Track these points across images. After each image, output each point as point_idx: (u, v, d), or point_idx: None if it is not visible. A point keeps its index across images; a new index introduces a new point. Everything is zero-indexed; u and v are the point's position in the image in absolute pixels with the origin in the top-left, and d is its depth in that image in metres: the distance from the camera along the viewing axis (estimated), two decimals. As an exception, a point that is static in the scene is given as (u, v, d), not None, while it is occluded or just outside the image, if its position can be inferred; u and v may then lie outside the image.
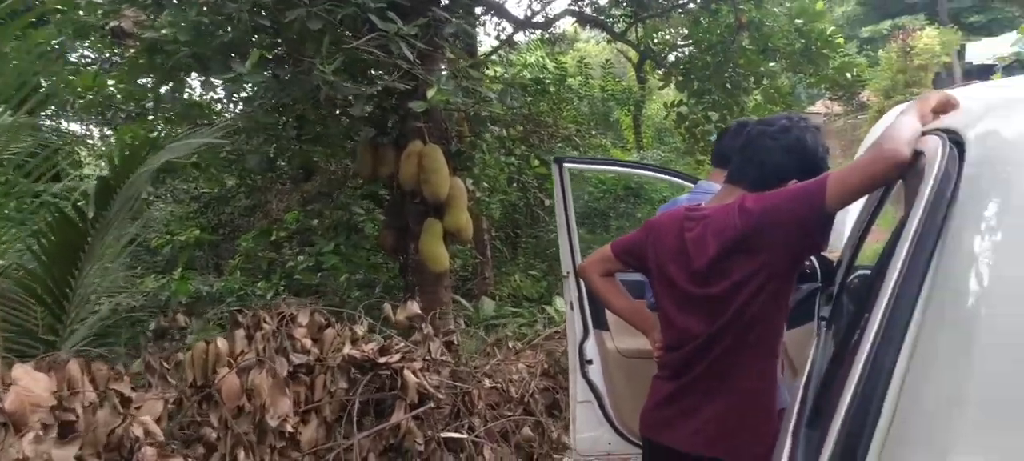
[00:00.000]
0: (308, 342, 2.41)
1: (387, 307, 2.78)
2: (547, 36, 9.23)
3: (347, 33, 3.19)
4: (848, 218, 2.13)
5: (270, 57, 3.02)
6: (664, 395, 1.72)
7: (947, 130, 1.00)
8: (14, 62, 2.85)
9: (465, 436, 2.63)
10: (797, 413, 1.18)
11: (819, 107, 16.92)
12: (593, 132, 9.82)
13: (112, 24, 3.92)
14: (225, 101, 3.60)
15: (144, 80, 3.88)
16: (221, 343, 2.12)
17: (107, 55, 4.99)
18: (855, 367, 0.72)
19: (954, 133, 0.93)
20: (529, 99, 7.97)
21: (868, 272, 1.74)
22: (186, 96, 3.89)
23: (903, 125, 1.34)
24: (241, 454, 2.01)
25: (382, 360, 2.38)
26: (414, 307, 2.74)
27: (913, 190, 1.40)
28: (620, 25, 7.07)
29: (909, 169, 1.31)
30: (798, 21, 6.07)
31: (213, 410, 2.03)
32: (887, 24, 21.47)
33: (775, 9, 6.19)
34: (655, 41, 7.54)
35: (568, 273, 2.66)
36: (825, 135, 1.70)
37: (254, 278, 6.38)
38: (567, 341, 2.72)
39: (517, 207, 8.34)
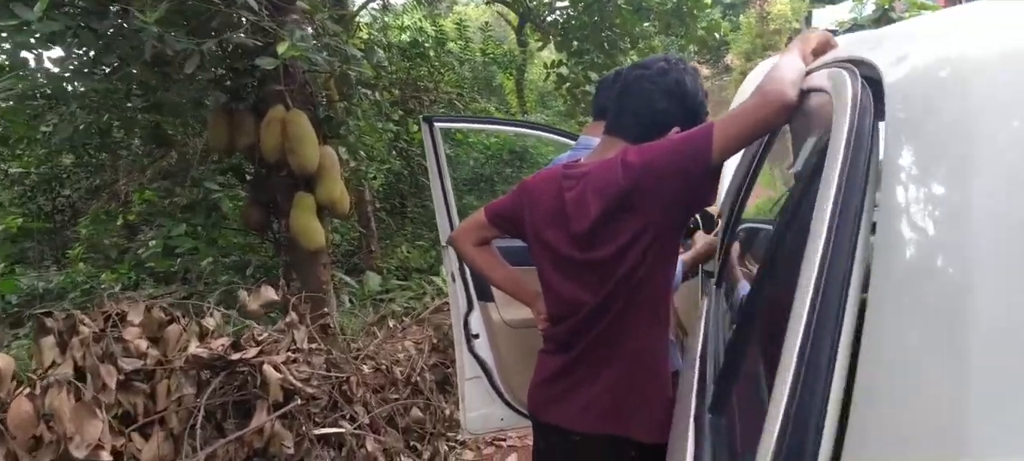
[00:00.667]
0: (143, 344, 2.04)
1: (242, 295, 2.44)
2: (424, -3, 8.86)
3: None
4: (727, 167, 2.09)
5: (76, 3, 2.50)
6: (551, 371, 1.58)
7: (850, 61, 0.88)
8: None
9: (344, 429, 2.39)
10: (697, 393, 1.05)
11: (688, 68, 17.83)
12: (476, 97, 9.67)
13: None
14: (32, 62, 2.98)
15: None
16: (2, 361, 1.69)
17: None
18: (784, 362, 0.57)
19: (862, 63, 0.81)
20: (408, 63, 7.65)
21: (756, 226, 1.69)
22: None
23: (785, 66, 1.25)
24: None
25: (235, 357, 2.07)
26: (269, 293, 2.42)
27: (802, 135, 1.31)
28: (498, -16, 6.86)
29: (796, 112, 1.22)
30: (668, -19, 6.18)
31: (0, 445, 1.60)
32: (747, -9, 22.85)
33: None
34: (533, 2, 7.43)
35: (448, 243, 2.45)
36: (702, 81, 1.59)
37: (101, 268, 5.65)
38: (452, 316, 2.53)
39: (401, 175, 8.03)
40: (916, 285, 0.53)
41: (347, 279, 6.50)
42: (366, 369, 2.80)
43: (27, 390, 1.67)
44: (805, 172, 1.00)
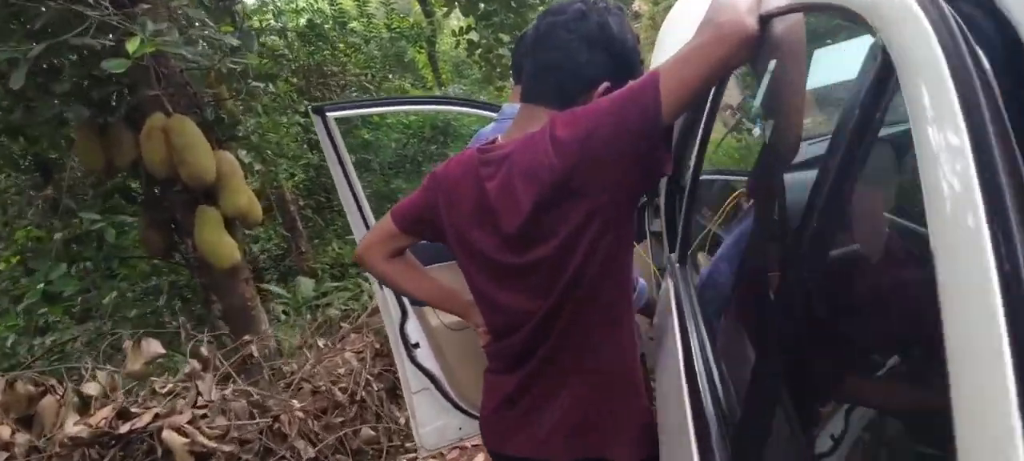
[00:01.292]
0: (6, 430, 1.64)
1: (126, 348, 2.05)
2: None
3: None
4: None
5: None
6: (505, 394, 1.31)
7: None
8: None
9: (281, 474, 2.07)
10: (694, 415, 0.80)
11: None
12: (388, 75, 9.22)
13: None
14: None
15: None
16: None
17: None
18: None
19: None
20: (309, 48, 7.13)
21: (721, 178, 1.45)
22: None
23: None
24: None
25: (124, 429, 1.70)
26: (154, 347, 2.04)
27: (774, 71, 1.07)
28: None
29: (758, 46, 0.98)
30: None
31: None
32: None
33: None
34: (432, -35, 7.02)
35: (354, 261, 2.13)
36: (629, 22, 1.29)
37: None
38: (386, 327, 2.24)
39: (321, 168, 7.54)
40: None
41: (276, 289, 6.04)
42: (297, 404, 2.47)
43: None
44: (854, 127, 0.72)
